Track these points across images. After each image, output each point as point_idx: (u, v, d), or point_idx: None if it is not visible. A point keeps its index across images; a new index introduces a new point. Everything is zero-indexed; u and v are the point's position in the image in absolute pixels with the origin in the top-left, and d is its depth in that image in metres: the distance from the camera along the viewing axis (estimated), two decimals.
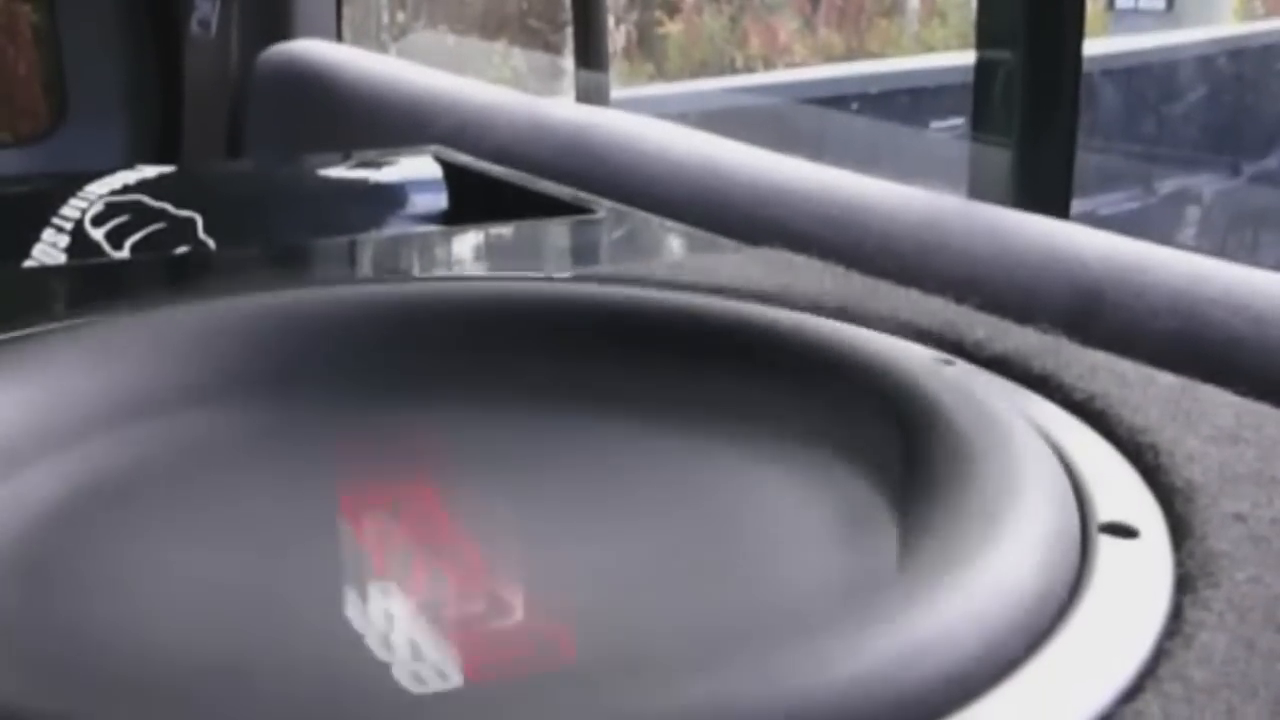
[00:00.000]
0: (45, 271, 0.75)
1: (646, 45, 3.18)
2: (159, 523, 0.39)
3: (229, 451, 0.43)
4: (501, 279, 0.60)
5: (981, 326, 0.50)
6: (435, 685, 0.30)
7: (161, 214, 0.80)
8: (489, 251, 0.74)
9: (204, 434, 0.43)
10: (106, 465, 0.41)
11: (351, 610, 0.33)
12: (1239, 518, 0.35)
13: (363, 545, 0.37)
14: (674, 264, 0.62)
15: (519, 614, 0.34)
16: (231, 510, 0.40)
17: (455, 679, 0.30)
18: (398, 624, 0.33)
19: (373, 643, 0.32)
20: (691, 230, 0.73)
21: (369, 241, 0.82)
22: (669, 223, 0.74)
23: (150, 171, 0.85)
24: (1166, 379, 0.45)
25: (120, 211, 0.80)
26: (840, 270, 0.59)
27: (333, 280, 0.63)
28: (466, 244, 0.76)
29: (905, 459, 0.38)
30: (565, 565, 0.36)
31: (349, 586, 0.35)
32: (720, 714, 0.26)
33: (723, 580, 0.35)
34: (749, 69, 3.13)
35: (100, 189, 0.82)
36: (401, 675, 0.30)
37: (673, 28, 3.24)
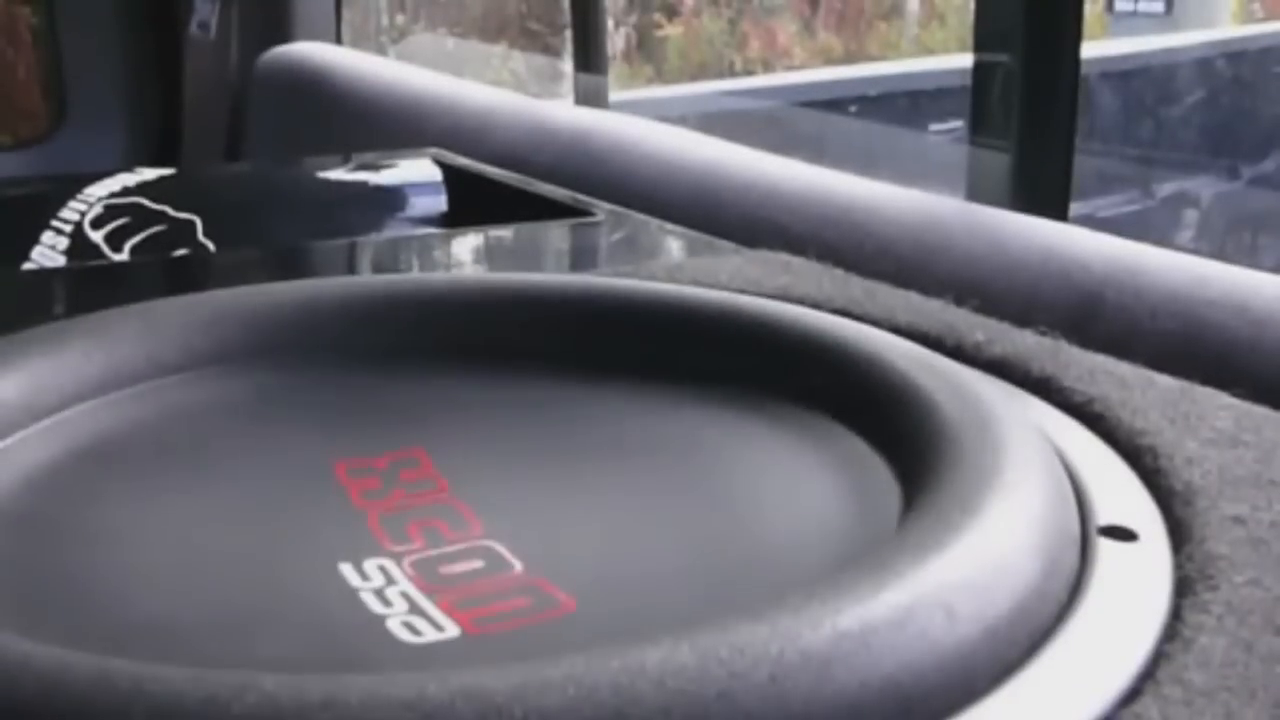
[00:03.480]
0: (44, 274, 0.75)
1: (645, 48, 3.18)
2: (147, 482, 0.39)
3: (222, 417, 0.43)
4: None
5: (980, 329, 0.50)
6: (430, 637, 0.30)
7: (161, 216, 0.80)
8: (488, 254, 0.74)
9: (198, 401, 0.44)
10: (100, 430, 0.42)
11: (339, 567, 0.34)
12: (1238, 520, 0.35)
13: (355, 503, 0.37)
14: (672, 266, 0.62)
15: (523, 569, 0.34)
16: (222, 470, 0.40)
17: (451, 632, 0.31)
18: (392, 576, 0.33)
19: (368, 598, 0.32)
20: (690, 233, 0.73)
21: (368, 244, 0.82)
22: (668, 225, 0.74)
23: (150, 174, 0.85)
24: (1166, 382, 0.45)
25: (120, 214, 0.80)
26: (839, 272, 0.59)
27: None
28: (465, 246, 0.76)
29: (902, 460, 0.37)
30: (564, 523, 0.37)
31: (339, 546, 0.35)
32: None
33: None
34: (748, 72, 3.13)
35: (100, 191, 0.82)
36: (395, 627, 0.31)
37: (672, 30, 3.23)
